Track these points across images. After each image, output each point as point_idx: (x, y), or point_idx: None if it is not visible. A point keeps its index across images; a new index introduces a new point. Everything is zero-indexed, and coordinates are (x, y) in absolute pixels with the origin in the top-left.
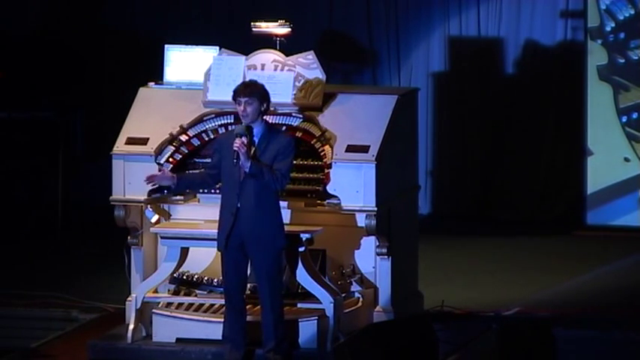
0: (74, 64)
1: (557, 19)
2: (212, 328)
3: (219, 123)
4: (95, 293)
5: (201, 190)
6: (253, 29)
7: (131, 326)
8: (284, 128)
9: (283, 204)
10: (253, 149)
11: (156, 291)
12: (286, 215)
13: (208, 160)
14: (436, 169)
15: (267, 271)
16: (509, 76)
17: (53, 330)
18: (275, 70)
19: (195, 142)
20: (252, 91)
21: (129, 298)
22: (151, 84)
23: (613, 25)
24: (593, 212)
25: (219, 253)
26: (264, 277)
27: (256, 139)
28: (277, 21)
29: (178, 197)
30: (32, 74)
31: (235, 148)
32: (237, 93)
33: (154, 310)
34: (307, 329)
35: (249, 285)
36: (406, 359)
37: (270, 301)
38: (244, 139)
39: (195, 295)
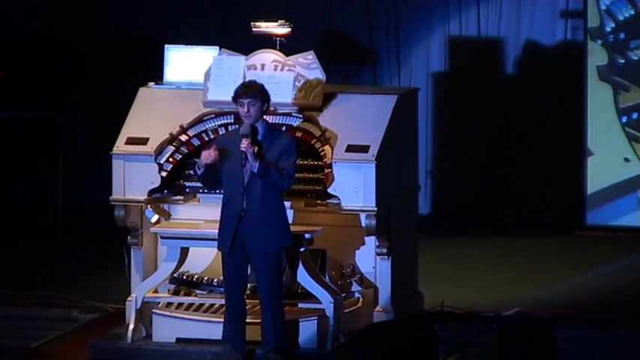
0: (74, 63)
1: (557, 19)
2: (212, 328)
3: (219, 123)
4: (95, 293)
5: (201, 190)
6: (253, 29)
7: (131, 326)
8: (284, 128)
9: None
10: (256, 148)
11: (156, 291)
12: (283, 219)
13: None
14: (436, 169)
15: (267, 271)
16: (509, 76)
17: (53, 330)
18: (275, 70)
19: (195, 142)
20: (254, 91)
21: (129, 298)
22: (151, 84)
23: (613, 25)
24: (593, 212)
25: (220, 253)
26: (265, 277)
27: (259, 139)
28: (277, 21)
29: (178, 197)
30: (32, 74)
31: (243, 149)
32: (239, 94)
33: (154, 310)
34: (307, 329)
35: (249, 285)
36: (406, 359)
37: (271, 301)
38: (250, 140)
39: (195, 295)
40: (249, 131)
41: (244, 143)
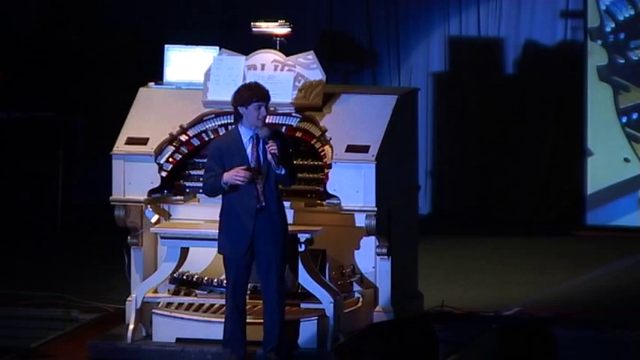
0: (74, 64)
1: (557, 19)
2: (212, 328)
3: (219, 123)
4: (95, 293)
5: (200, 191)
6: (253, 29)
7: (131, 326)
8: (284, 128)
9: (284, 204)
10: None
11: (156, 291)
12: (287, 215)
13: (205, 160)
14: (436, 169)
15: (276, 269)
16: (509, 76)
17: (53, 330)
18: (275, 70)
19: (195, 142)
20: (268, 94)
21: (129, 298)
22: (151, 84)
23: (613, 25)
24: (593, 212)
25: (220, 254)
26: (273, 276)
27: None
28: (277, 21)
29: (178, 197)
30: (32, 74)
31: (274, 152)
32: (259, 97)
33: (153, 310)
34: (307, 329)
35: (249, 285)
36: (406, 359)
37: (277, 300)
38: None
39: (195, 295)
40: (270, 134)
41: (273, 147)
